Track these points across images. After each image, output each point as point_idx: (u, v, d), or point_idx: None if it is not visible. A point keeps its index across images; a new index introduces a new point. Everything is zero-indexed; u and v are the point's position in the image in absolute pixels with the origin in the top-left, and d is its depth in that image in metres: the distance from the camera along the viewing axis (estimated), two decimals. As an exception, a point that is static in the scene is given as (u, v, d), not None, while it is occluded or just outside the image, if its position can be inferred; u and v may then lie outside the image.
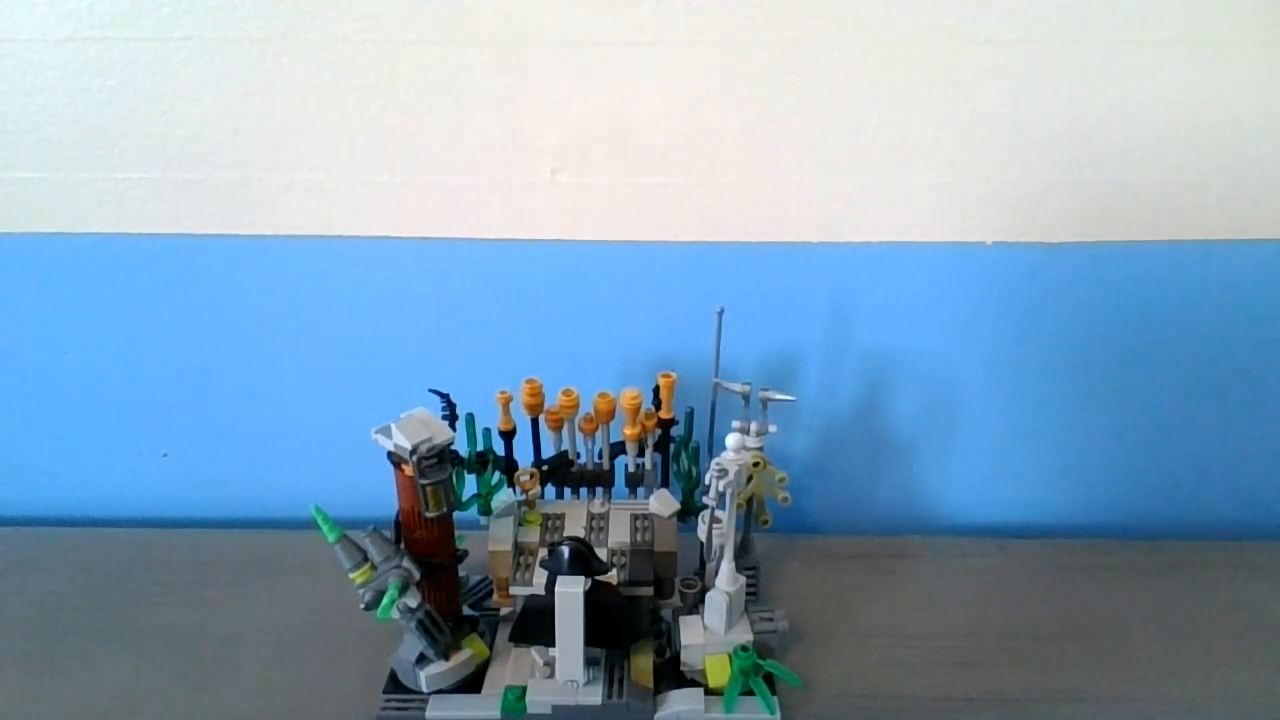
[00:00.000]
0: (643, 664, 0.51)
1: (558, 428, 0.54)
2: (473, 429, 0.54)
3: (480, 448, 0.54)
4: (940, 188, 0.59)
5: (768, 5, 0.54)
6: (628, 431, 0.53)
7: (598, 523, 0.55)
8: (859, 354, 0.64)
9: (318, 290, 0.63)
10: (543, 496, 0.56)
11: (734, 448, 0.48)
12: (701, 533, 0.52)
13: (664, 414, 0.54)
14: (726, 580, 0.49)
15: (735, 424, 0.53)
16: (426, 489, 0.47)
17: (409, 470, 0.46)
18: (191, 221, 0.61)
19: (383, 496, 0.50)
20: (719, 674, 0.49)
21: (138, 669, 0.54)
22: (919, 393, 0.65)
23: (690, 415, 0.55)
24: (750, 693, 0.49)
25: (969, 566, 0.63)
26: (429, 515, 0.48)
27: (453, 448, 0.49)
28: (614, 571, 0.50)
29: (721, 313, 0.52)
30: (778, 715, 0.49)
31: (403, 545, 0.49)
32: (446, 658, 0.50)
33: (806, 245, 0.61)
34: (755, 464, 0.53)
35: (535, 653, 0.50)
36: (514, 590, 0.51)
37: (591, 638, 0.47)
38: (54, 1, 0.55)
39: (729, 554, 0.49)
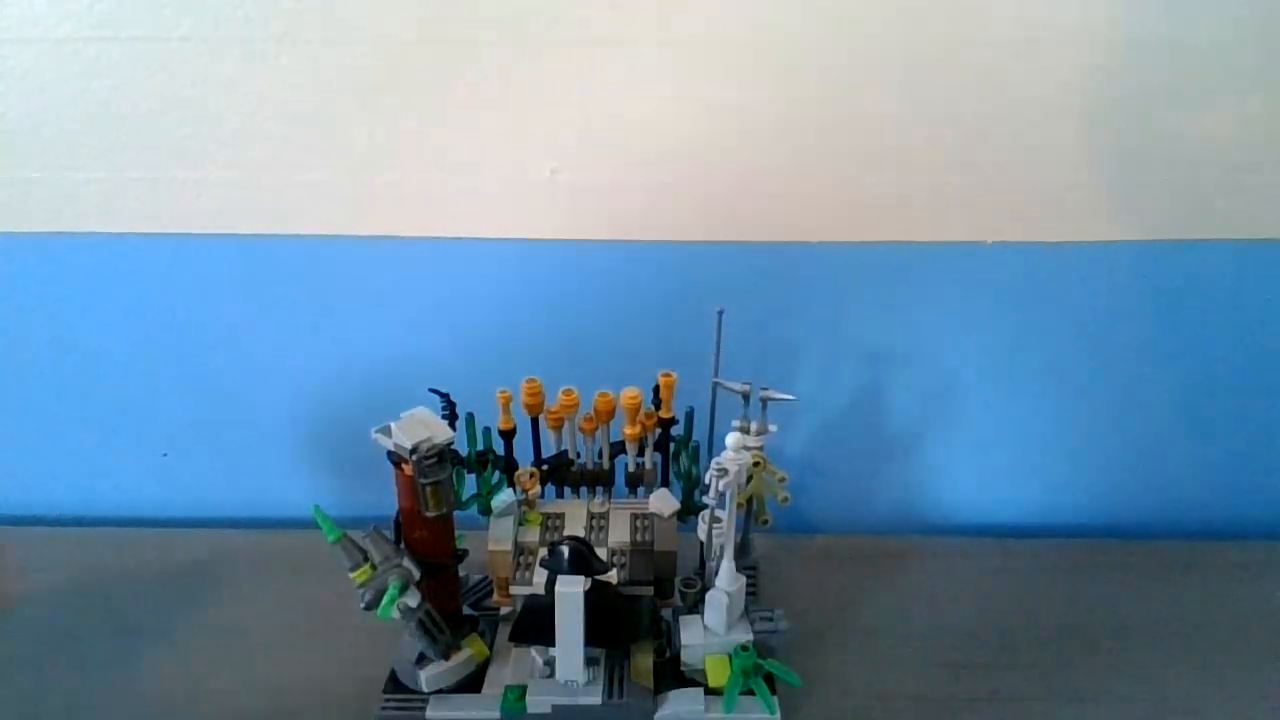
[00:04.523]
0: (643, 664, 0.50)
1: (558, 427, 0.54)
2: (473, 428, 0.54)
3: (480, 447, 0.54)
4: (940, 187, 0.59)
5: (768, 5, 0.54)
6: (628, 431, 0.53)
7: (598, 522, 0.55)
8: (859, 354, 0.64)
9: (318, 290, 0.63)
10: (543, 496, 0.56)
11: (734, 447, 0.48)
12: (701, 532, 0.52)
13: (664, 413, 0.54)
14: (726, 580, 0.49)
15: (735, 423, 0.53)
16: (426, 488, 0.47)
17: (409, 470, 0.46)
18: (191, 221, 0.61)
19: (383, 496, 0.50)
20: (719, 674, 0.49)
21: (137, 669, 0.54)
22: (919, 392, 0.65)
23: (690, 415, 0.55)
24: (750, 692, 0.49)
25: (969, 566, 0.63)
26: (429, 515, 0.48)
27: (453, 447, 0.48)
28: (614, 571, 0.50)
29: (721, 312, 0.52)
30: (777, 715, 0.48)
31: (403, 545, 0.49)
32: (447, 657, 0.50)
33: (806, 245, 0.61)
34: (755, 464, 0.53)
35: (535, 652, 0.50)
36: (514, 590, 0.51)
37: (591, 637, 0.47)
38: (54, 2, 0.55)
39: (729, 554, 0.49)
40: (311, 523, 0.46)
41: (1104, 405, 0.66)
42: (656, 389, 0.53)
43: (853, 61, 0.56)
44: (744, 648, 0.49)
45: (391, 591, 0.46)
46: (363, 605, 0.47)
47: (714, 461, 0.48)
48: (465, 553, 0.52)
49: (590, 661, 0.48)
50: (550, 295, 0.63)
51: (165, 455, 0.69)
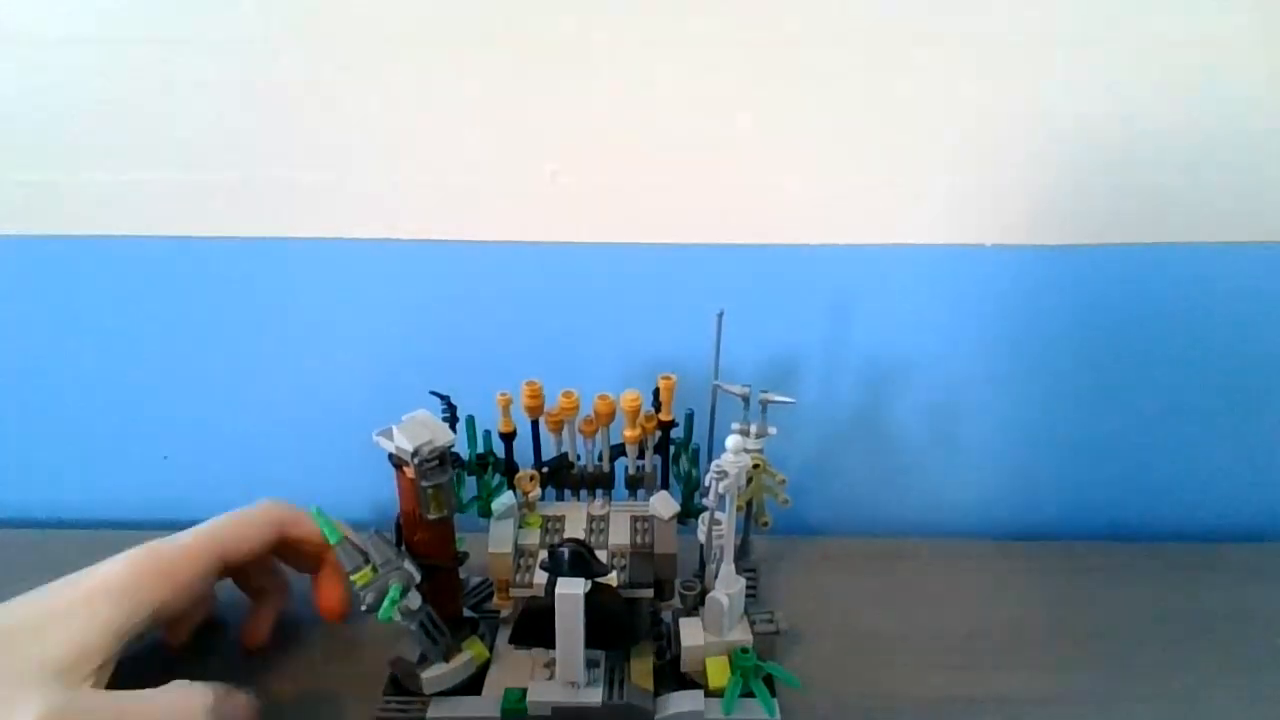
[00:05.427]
0: (643, 666, 0.51)
1: (558, 430, 0.54)
2: (473, 431, 0.54)
3: (481, 450, 0.54)
4: (940, 189, 0.59)
5: (768, 5, 0.54)
6: (628, 434, 0.53)
7: (598, 525, 0.55)
8: (859, 356, 0.64)
9: (318, 292, 0.63)
10: (543, 498, 0.56)
11: (734, 450, 0.48)
12: (701, 535, 0.52)
13: (664, 416, 0.54)
14: (726, 582, 0.49)
15: (735, 426, 0.53)
16: (428, 491, 0.47)
17: (410, 472, 0.46)
18: (190, 223, 0.61)
19: (384, 499, 0.50)
20: (719, 675, 0.49)
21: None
22: (919, 395, 0.65)
23: (690, 417, 0.55)
24: (750, 694, 0.49)
25: (969, 567, 0.63)
26: (430, 517, 0.48)
27: (453, 450, 0.49)
28: (614, 573, 0.50)
29: (721, 315, 0.52)
30: (777, 716, 0.49)
31: (404, 547, 0.49)
32: (447, 659, 0.50)
33: (806, 247, 0.61)
34: (755, 466, 0.53)
35: (535, 654, 0.50)
36: (514, 592, 0.51)
37: (591, 640, 0.47)
38: (53, 2, 0.55)
39: (729, 556, 0.49)
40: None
41: (1105, 406, 0.66)
42: (656, 392, 0.53)
43: (853, 62, 0.56)
44: (744, 649, 0.49)
45: (393, 594, 0.46)
46: (363, 607, 0.47)
47: (714, 464, 0.48)
48: (466, 555, 0.52)
49: (590, 663, 0.48)
50: (550, 297, 0.63)
51: (166, 458, 0.69)
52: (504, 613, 0.55)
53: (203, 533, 0.50)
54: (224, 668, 0.54)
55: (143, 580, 0.46)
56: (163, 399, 0.67)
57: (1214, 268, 0.61)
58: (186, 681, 0.44)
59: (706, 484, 0.48)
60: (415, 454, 0.46)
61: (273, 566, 0.56)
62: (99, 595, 0.45)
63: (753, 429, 0.54)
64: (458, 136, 0.58)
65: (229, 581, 0.55)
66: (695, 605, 0.51)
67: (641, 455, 0.55)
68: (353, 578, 0.47)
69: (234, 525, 0.51)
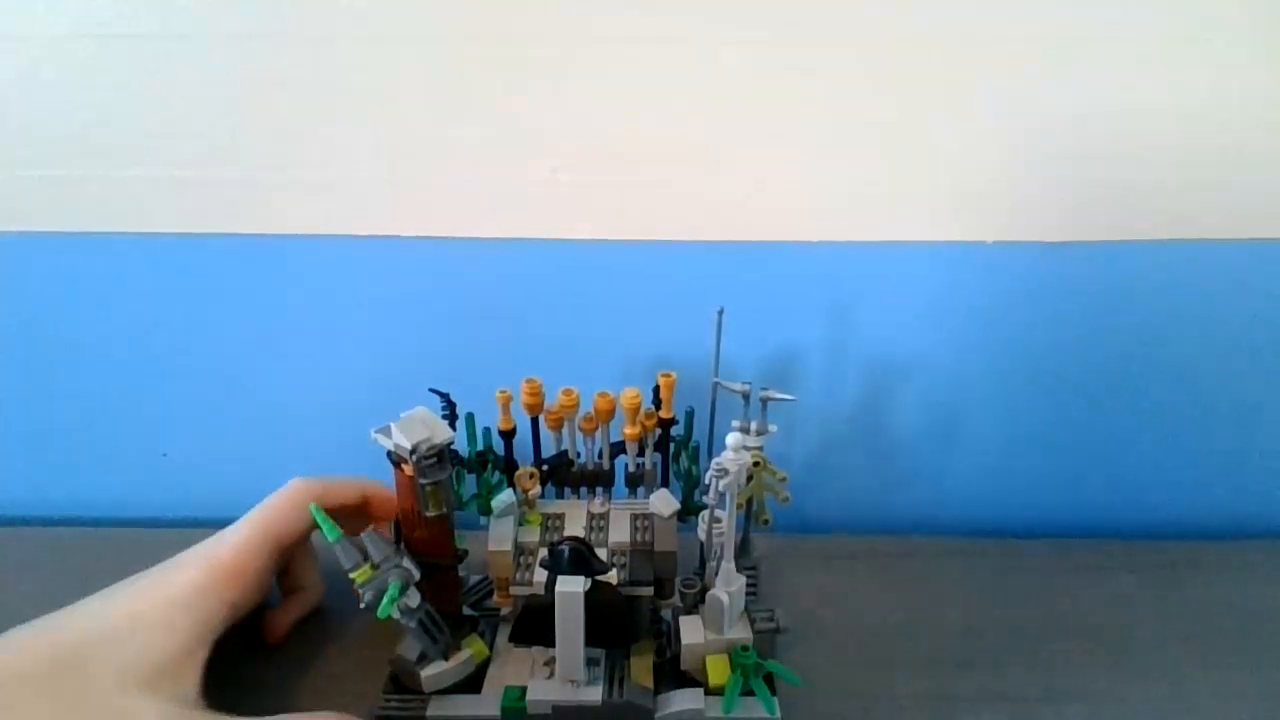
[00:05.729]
0: (643, 663, 0.50)
1: (557, 427, 0.54)
2: (472, 428, 0.54)
3: (480, 447, 0.54)
4: (940, 187, 0.59)
5: (768, 5, 0.54)
6: (628, 431, 0.53)
7: (598, 522, 0.55)
8: (859, 353, 0.64)
9: (317, 289, 0.63)
10: (542, 496, 0.56)
11: (734, 447, 0.47)
12: (701, 532, 0.52)
13: (664, 414, 0.54)
14: (726, 580, 0.49)
15: (735, 423, 0.53)
16: (426, 488, 0.47)
17: (409, 470, 0.46)
18: (190, 220, 0.61)
19: (383, 496, 0.50)
20: (719, 673, 0.49)
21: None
22: (919, 392, 0.65)
23: (690, 415, 0.55)
24: (750, 692, 0.49)
25: (969, 566, 0.63)
26: (429, 515, 0.48)
27: (452, 447, 0.48)
28: (614, 571, 0.50)
29: (721, 312, 0.52)
30: (778, 715, 0.48)
31: (402, 545, 0.49)
32: (447, 658, 0.50)
33: (806, 244, 0.61)
34: (755, 463, 0.53)
35: (535, 652, 0.50)
36: (514, 590, 0.51)
37: (591, 637, 0.47)
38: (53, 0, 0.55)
39: (729, 554, 0.49)
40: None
41: (1105, 403, 0.66)
42: (656, 389, 0.53)
43: (853, 61, 0.55)
44: (744, 647, 0.49)
45: (391, 591, 0.46)
46: (362, 605, 0.47)
47: (714, 462, 0.47)
48: (465, 552, 0.52)
49: (590, 661, 0.48)
50: (550, 295, 0.63)
51: (165, 455, 0.69)
52: (504, 611, 0.55)
53: (254, 524, 0.51)
54: (224, 665, 0.54)
55: (216, 584, 0.47)
56: (162, 396, 0.67)
57: (1215, 264, 0.61)
58: (299, 715, 0.45)
59: (707, 481, 0.48)
60: (413, 451, 0.46)
61: (315, 556, 0.56)
62: (179, 604, 0.46)
63: (753, 426, 0.54)
64: (458, 135, 0.58)
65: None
66: (695, 603, 0.51)
67: (641, 453, 0.55)
68: (351, 575, 0.47)
69: (279, 510, 0.51)
